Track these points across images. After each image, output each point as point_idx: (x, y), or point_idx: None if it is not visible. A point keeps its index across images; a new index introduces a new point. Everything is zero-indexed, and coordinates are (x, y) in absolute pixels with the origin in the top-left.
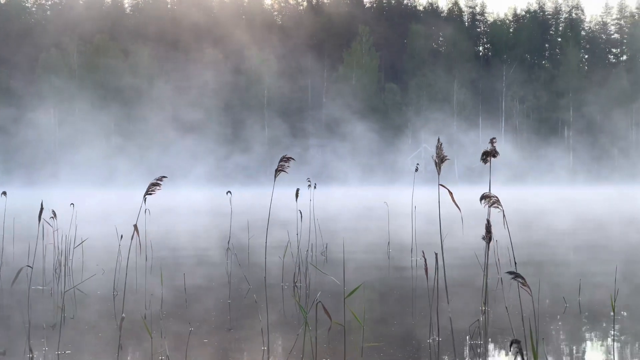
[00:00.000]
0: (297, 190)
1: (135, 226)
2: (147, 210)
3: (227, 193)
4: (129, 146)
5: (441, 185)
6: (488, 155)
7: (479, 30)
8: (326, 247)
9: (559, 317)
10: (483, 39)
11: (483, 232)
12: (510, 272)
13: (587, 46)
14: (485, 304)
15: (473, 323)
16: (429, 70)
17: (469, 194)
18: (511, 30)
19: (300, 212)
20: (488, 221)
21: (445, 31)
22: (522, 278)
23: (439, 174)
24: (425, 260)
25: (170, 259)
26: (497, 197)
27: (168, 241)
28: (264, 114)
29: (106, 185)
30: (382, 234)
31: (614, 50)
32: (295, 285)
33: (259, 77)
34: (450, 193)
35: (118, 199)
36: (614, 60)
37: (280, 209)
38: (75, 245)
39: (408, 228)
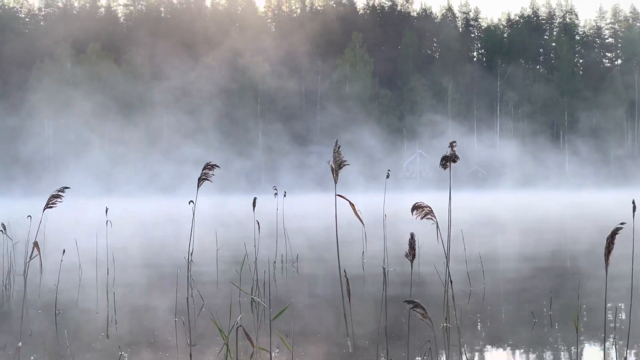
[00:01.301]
0: (254, 199)
1: (36, 243)
2: (108, 222)
3: (189, 203)
4: (128, 154)
5: (339, 195)
6: (448, 160)
7: (473, 35)
8: (297, 258)
9: (522, 332)
10: (477, 44)
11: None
12: (409, 302)
13: (582, 50)
14: (446, 320)
15: (425, 343)
16: (423, 76)
17: (464, 201)
18: (505, 35)
19: (258, 223)
20: (412, 236)
21: (439, 37)
22: (422, 308)
23: (335, 182)
24: (347, 279)
25: (132, 273)
26: (430, 208)
27: (137, 254)
28: (259, 121)
29: (107, 193)
30: (368, 244)
31: (608, 54)
32: (253, 300)
33: (254, 84)
34: (352, 205)
35: (108, 209)
36: (608, 64)
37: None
38: (27, 260)
39: (398, 237)
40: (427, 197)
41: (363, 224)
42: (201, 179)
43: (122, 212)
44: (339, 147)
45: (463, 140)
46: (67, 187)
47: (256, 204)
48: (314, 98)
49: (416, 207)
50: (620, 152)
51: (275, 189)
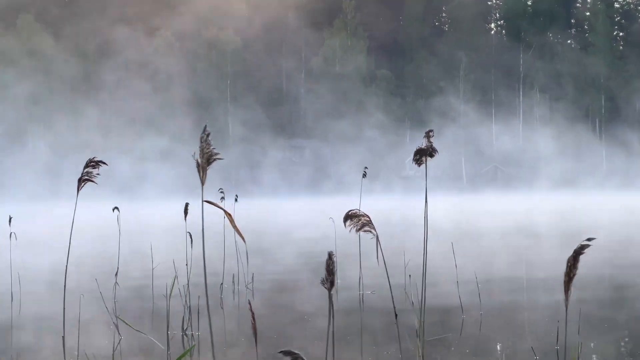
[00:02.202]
0: (186, 205)
1: None
2: (12, 234)
3: (113, 210)
4: (75, 148)
5: (206, 201)
6: (423, 154)
7: (490, 3)
8: (252, 279)
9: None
10: (495, 14)
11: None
12: (285, 352)
13: (622, 21)
14: (422, 357)
15: None
16: (429, 54)
17: (475, 205)
18: (530, 2)
19: (190, 234)
20: (329, 256)
21: (449, 5)
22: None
23: (202, 183)
24: (252, 312)
25: (49, 298)
26: (368, 218)
27: (65, 273)
28: (229, 107)
29: (53, 195)
30: (367, 260)
31: None
32: (185, 334)
33: (223, 63)
34: (228, 215)
35: (12, 218)
36: None
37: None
38: None
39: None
40: (438, 201)
41: (244, 240)
42: (82, 180)
43: (75, 218)
44: (207, 135)
45: (480, 132)
46: None
47: (189, 210)
48: (297, 80)
49: (350, 217)
50: None
51: (221, 192)
